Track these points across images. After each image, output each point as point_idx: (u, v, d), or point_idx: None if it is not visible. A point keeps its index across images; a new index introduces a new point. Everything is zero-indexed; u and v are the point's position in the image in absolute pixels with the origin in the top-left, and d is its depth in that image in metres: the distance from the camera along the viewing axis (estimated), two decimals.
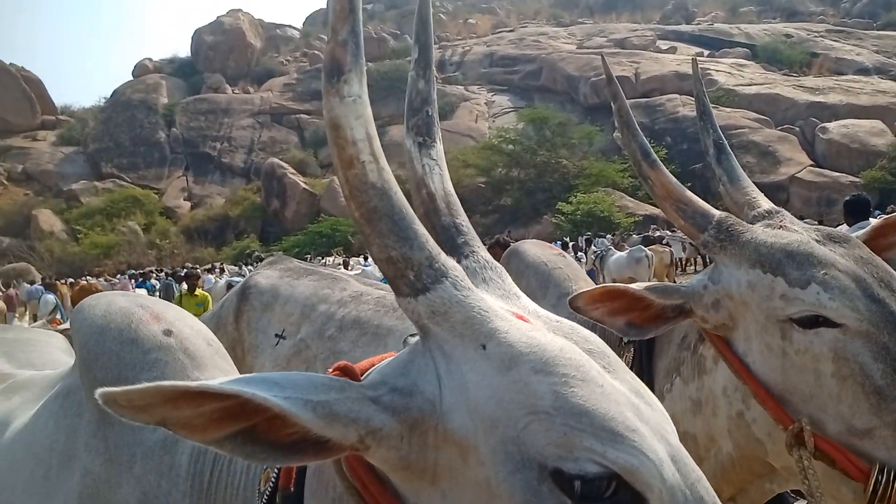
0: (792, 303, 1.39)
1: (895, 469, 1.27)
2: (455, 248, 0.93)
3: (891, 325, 1.32)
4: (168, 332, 1.25)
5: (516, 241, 3.88)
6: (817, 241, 1.46)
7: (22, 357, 1.80)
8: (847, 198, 6.24)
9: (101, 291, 16.22)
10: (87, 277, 24.60)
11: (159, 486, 1.13)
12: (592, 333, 0.90)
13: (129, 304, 1.30)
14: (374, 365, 0.89)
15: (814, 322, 1.36)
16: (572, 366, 0.78)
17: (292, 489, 0.93)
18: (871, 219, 5.69)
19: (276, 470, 0.97)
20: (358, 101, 0.81)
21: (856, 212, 5.87)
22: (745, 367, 1.47)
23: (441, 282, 0.81)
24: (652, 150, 1.67)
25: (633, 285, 1.57)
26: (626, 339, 1.79)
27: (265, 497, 0.97)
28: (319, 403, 0.72)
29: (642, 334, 1.58)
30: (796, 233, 1.52)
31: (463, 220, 0.99)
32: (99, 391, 0.67)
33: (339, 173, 0.81)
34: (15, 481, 1.25)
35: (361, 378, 0.84)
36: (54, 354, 1.92)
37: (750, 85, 36.67)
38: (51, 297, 12.98)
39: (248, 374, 0.76)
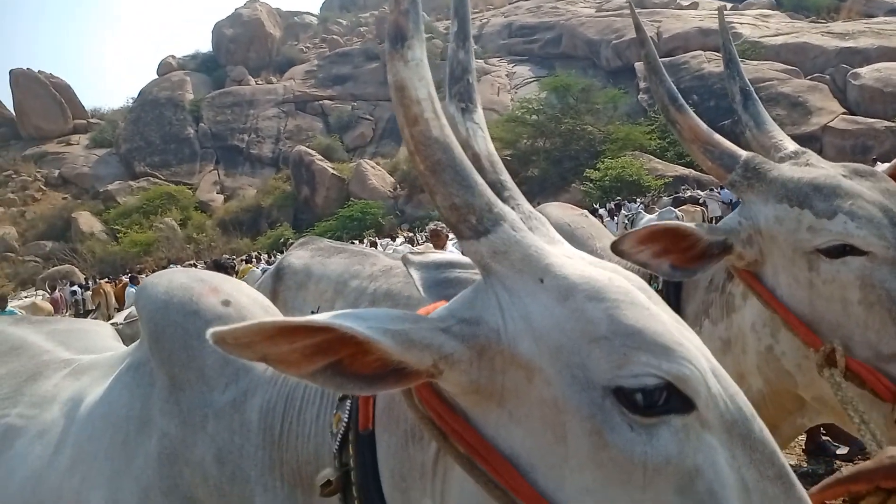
0: (819, 233, 1.42)
1: None
2: (502, 202, 0.97)
3: None
4: (226, 303, 1.33)
5: None
6: (843, 176, 1.49)
7: (79, 345, 1.88)
8: None
9: None
10: (130, 274, 25.18)
11: (232, 441, 1.19)
12: (632, 273, 0.96)
13: (188, 279, 1.39)
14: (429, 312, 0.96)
15: (840, 251, 1.40)
16: (621, 292, 0.86)
17: (370, 427, 1.01)
18: None
19: (346, 412, 1.05)
20: (420, 65, 0.88)
21: None
22: (775, 298, 1.51)
23: (500, 224, 0.90)
24: (679, 94, 1.68)
25: (680, 223, 1.59)
26: (655, 287, 1.76)
27: (339, 436, 1.04)
28: (397, 332, 0.81)
29: (688, 275, 1.58)
30: (822, 168, 1.55)
31: (506, 177, 1.06)
32: (210, 331, 0.75)
33: (405, 131, 0.89)
34: (97, 449, 1.33)
35: None
36: (107, 342, 2.01)
37: (776, 35, 35.76)
38: (133, 289, 13.65)
39: (335, 311, 0.83)
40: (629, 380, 0.80)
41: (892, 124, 27.08)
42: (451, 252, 7.21)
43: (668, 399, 0.81)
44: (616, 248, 1.56)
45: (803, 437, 4.16)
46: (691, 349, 0.84)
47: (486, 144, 1.09)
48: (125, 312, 9.09)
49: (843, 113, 29.30)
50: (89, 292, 19.42)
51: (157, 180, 42.43)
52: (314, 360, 0.81)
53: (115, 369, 1.48)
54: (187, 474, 1.23)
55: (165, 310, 1.33)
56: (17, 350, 1.80)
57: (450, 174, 0.89)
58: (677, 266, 1.56)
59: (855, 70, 30.46)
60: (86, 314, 17.04)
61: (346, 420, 1.05)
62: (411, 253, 1.25)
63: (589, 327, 0.83)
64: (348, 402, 1.06)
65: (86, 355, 1.76)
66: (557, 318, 0.84)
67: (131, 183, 42.59)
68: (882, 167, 1.64)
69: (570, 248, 0.99)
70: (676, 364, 0.81)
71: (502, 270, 0.89)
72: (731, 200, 14.19)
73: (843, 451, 4.10)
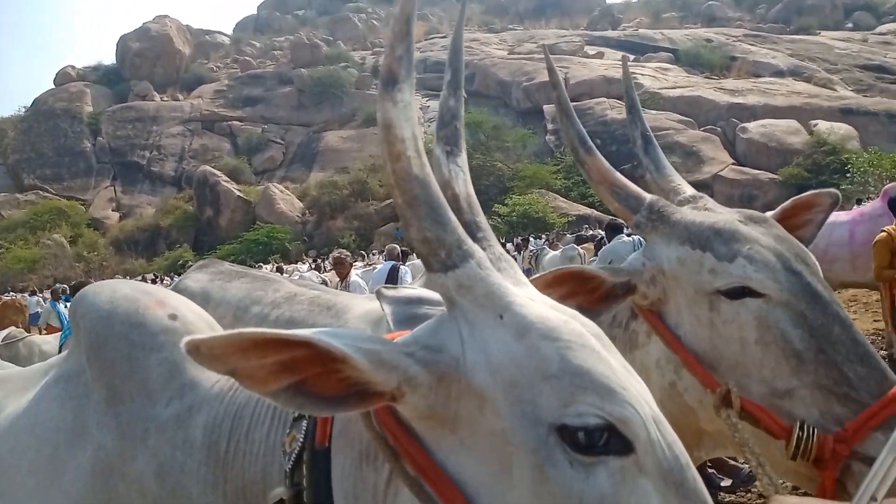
0: (720, 276, 1.47)
1: (814, 424, 1.34)
2: (475, 241, 1.01)
3: (808, 295, 1.42)
4: (173, 317, 1.31)
5: None
6: (740, 221, 1.55)
7: None
8: (607, 222, 7.76)
9: (24, 307, 15.45)
10: (10, 293, 23.57)
11: (174, 457, 1.17)
12: (589, 320, 0.99)
13: (132, 290, 1.37)
14: None
15: (740, 293, 1.44)
16: (574, 334, 0.90)
17: (326, 444, 1.03)
18: (623, 235, 7.95)
19: (302, 432, 1.05)
20: (408, 107, 0.94)
21: (613, 230, 8.30)
22: (676, 338, 1.55)
23: (467, 261, 0.93)
24: (588, 137, 1.70)
25: (585, 266, 1.63)
26: None
27: (293, 456, 1.04)
28: (371, 351, 0.84)
29: (595, 315, 1.57)
30: (720, 213, 1.60)
31: (481, 219, 1.10)
32: (185, 339, 0.76)
33: (388, 166, 0.93)
34: (19, 462, 1.29)
35: None
36: None
37: (674, 88, 38.05)
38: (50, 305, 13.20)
39: (311, 328, 0.85)
40: (573, 418, 0.83)
41: (776, 176, 29.22)
42: (355, 279, 7.21)
43: (609, 440, 0.84)
44: None
45: None
46: (635, 394, 0.88)
47: (466, 187, 1.14)
48: (3, 333, 8.61)
49: (732, 163, 31.40)
50: None
51: (47, 194, 40.19)
52: (280, 377, 0.82)
53: (35, 383, 1.43)
54: (122, 489, 1.19)
55: (109, 320, 1.30)
56: None
57: (425, 209, 0.93)
58: (585, 307, 1.57)
59: (743, 124, 32.78)
60: None
61: (301, 440, 1.05)
62: (385, 287, 1.26)
63: (542, 365, 0.86)
64: (304, 423, 1.06)
65: None
66: (513, 354, 0.88)
67: (18, 196, 40.19)
68: (770, 214, 1.73)
69: (534, 292, 1.02)
70: (619, 406, 0.84)
71: (466, 304, 0.93)
72: None
73: (726, 483, 4.30)
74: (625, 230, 9.01)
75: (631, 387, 0.89)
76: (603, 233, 19.23)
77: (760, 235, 1.52)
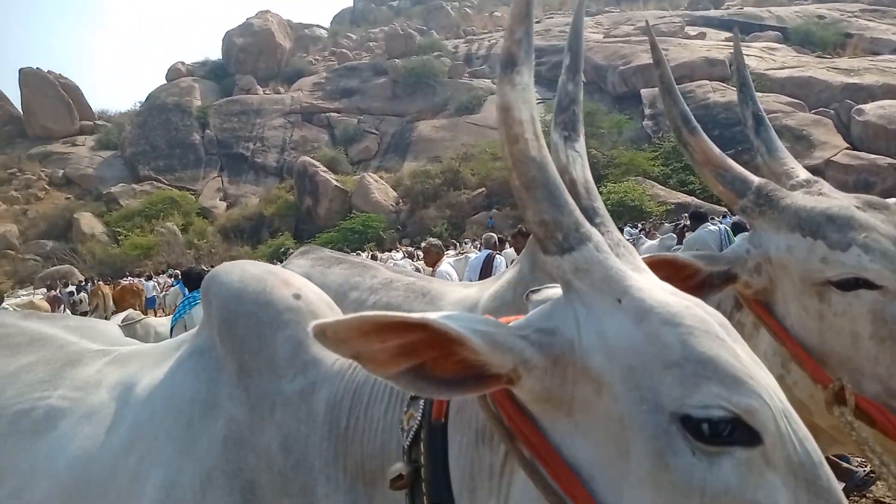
0: (832, 265, 1.39)
1: None
2: (593, 226, 1.00)
3: None
4: (297, 296, 1.37)
5: None
6: (857, 207, 1.46)
7: (102, 339, 1.91)
8: (690, 210, 7.27)
9: (141, 291, 16.31)
10: (128, 277, 25.22)
11: (299, 430, 1.22)
12: (713, 309, 0.96)
13: (260, 271, 1.44)
14: None
15: (853, 284, 1.36)
16: (697, 319, 0.87)
17: (442, 420, 1.06)
18: (709, 224, 8.01)
19: (419, 410, 1.08)
20: (527, 89, 0.94)
21: (697, 219, 8.58)
22: (783, 330, 1.47)
23: (585, 244, 0.93)
24: (692, 117, 1.63)
25: (679, 254, 1.55)
26: None
27: (411, 433, 1.07)
28: (486, 333, 0.86)
29: None
30: (836, 199, 1.51)
31: (599, 204, 1.10)
32: (312, 324, 0.81)
33: (505, 148, 0.94)
34: (157, 430, 1.35)
35: None
36: (122, 339, 2.03)
37: (782, 68, 36.02)
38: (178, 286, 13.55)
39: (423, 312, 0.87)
40: (697, 410, 0.81)
41: (895, 161, 27.19)
42: (444, 268, 7.28)
43: (734, 431, 0.82)
44: None
45: None
46: (764, 385, 0.85)
47: (583, 172, 1.14)
48: (122, 315, 9.20)
49: (847, 148, 29.43)
50: (83, 294, 19.39)
51: (160, 185, 42.47)
52: (400, 361, 0.86)
53: (168, 357, 1.51)
54: (252, 459, 1.25)
55: (239, 298, 1.36)
56: (40, 341, 1.80)
57: (542, 192, 0.93)
58: None
59: (859, 106, 30.64)
60: (82, 315, 17.03)
61: (419, 417, 1.08)
62: (532, 292, 1.24)
63: (662, 352, 0.84)
64: (421, 401, 1.09)
65: (118, 347, 1.78)
66: (632, 338, 0.87)
67: (135, 186, 42.59)
68: (893, 201, 1.59)
69: (654, 278, 1.00)
70: (746, 397, 0.82)
71: (582, 287, 0.93)
72: None
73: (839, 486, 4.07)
74: (710, 219, 8.74)
75: (759, 377, 0.85)
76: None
77: (880, 223, 1.41)
